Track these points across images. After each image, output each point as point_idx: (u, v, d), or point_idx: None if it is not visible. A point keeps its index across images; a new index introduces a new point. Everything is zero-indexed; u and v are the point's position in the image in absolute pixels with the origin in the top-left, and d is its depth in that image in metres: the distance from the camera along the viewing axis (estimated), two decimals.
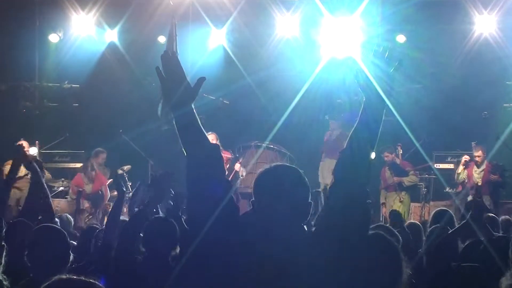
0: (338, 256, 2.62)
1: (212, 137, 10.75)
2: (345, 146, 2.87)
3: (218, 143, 10.74)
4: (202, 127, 2.80)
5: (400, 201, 12.44)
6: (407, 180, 12.60)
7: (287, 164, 3.05)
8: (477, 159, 12.13)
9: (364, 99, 2.88)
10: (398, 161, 12.78)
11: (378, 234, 3.04)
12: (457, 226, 6.23)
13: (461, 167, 12.28)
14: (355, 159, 2.82)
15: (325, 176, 12.55)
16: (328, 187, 2.99)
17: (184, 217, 5.17)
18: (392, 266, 2.88)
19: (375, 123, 2.86)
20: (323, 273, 2.58)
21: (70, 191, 12.35)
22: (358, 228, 2.77)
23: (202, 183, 2.75)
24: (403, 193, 12.58)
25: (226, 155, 11.56)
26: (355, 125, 2.88)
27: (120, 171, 12.47)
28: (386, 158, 12.64)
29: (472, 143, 12.33)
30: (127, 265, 4.52)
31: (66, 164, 13.58)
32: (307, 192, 2.82)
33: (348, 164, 2.82)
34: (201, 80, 2.81)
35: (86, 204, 11.79)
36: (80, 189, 11.57)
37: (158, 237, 4.61)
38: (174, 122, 2.79)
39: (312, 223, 3.09)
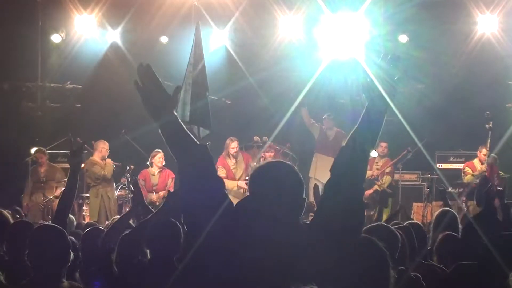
0: (329, 251, 2.69)
1: (235, 144, 11.94)
2: (344, 144, 2.94)
3: (237, 147, 11.87)
4: (187, 130, 2.88)
5: None
6: (381, 186, 12.51)
7: (282, 161, 3.14)
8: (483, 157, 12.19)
9: (366, 102, 2.94)
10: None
11: (368, 238, 3.10)
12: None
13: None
14: (354, 158, 2.88)
15: (317, 172, 12.60)
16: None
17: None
18: (379, 273, 2.94)
19: (377, 125, 2.93)
20: (313, 266, 2.65)
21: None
22: (352, 225, 2.83)
23: (194, 183, 2.82)
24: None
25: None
26: (357, 125, 2.93)
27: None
28: None
29: (487, 112, 12.25)
30: (130, 268, 4.52)
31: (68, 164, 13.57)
32: (300, 187, 2.88)
33: (347, 162, 2.89)
34: (178, 89, 2.91)
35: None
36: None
37: (163, 238, 4.61)
38: (159, 131, 2.88)
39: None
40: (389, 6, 13.12)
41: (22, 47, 13.85)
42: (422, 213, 12.46)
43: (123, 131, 12.94)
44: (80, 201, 12.24)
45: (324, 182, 3.06)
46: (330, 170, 2.92)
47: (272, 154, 12.06)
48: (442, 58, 13.25)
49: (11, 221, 5.35)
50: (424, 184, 13.10)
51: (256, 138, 12.59)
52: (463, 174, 12.52)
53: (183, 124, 2.88)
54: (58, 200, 5.75)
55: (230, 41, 13.93)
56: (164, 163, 12.14)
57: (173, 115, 2.85)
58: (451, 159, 13.43)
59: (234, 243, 2.70)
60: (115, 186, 12.26)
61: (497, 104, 13.39)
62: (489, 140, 12.04)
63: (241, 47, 13.97)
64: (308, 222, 2.98)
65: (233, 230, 2.74)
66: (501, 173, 12.33)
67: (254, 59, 13.96)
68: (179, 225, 4.68)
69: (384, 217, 11.43)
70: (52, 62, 14.44)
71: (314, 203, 6.56)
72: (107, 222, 9.52)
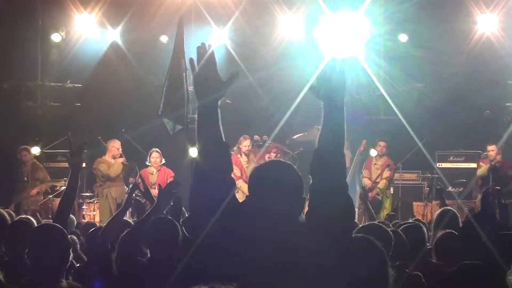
0: (328, 251, 2.70)
1: (248, 142, 11.95)
2: (316, 148, 2.93)
3: (250, 145, 11.94)
4: (220, 124, 2.89)
5: None
6: (379, 191, 12.46)
7: (281, 160, 3.17)
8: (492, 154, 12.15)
9: (322, 102, 3.07)
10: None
11: (364, 238, 3.10)
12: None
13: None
14: (327, 161, 2.87)
15: None
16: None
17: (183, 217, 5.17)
18: (377, 271, 2.94)
19: (338, 122, 3.01)
20: (313, 266, 2.65)
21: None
22: (343, 223, 2.83)
23: (209, 176, 2.83)
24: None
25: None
26: (320, 127, 2.97)
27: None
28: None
29: (486, 112, 12.27)
30: (130, 267, 4.51)
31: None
32: (300, 186, 2.88)
33: (321, 165, 2.88)
34: (235, 75, 2.99)
35: None
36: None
37: (161, 237, 4.60)
38: (197, 114, 2.92)
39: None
40: (389, 6, 13.12)
41: (22, 47, 13.84)
42: (422, 212, 12.44)
43: (123, 130, 12.93)
44: (80, 200, 12.23)
45: None
46: (310, 175, 2.91)
47: (273, 153, 12.04)
48: (442, 57, 13.24)
49: (9, 220, 5.32)
50: (424, 183, 13.08)
51: (256, 137, 12.58)
52: (478, 170, 12.47)
53: (219, 116, 2.90)
54: (59, 199, 5.73)
55: (230, 40, 13.92)
56: (163, 162, 12.12)
57: (216, 104, 2.90)
58: (451, 158, 13.41)
59: (234, 242, 2.70)
60: (125, 186, 12.20)
61: (497, 103, 13.39)
62: (506, 134, 12.00)
63: (241, 46, 13.96)
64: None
65: (233, 229, 2.74)
66: None
67: (254, 58, 13.95)
68: (177, 224, 4.67)
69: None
70: (52, 61, 14.44)
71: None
72: None
